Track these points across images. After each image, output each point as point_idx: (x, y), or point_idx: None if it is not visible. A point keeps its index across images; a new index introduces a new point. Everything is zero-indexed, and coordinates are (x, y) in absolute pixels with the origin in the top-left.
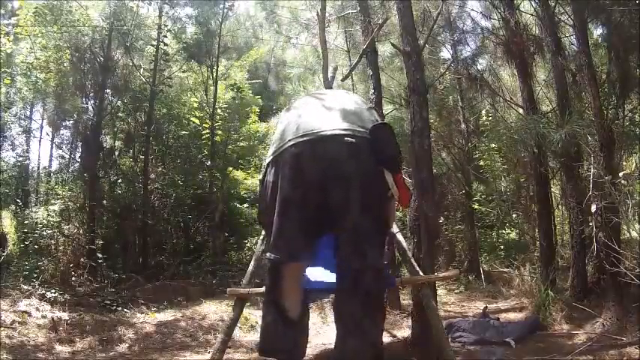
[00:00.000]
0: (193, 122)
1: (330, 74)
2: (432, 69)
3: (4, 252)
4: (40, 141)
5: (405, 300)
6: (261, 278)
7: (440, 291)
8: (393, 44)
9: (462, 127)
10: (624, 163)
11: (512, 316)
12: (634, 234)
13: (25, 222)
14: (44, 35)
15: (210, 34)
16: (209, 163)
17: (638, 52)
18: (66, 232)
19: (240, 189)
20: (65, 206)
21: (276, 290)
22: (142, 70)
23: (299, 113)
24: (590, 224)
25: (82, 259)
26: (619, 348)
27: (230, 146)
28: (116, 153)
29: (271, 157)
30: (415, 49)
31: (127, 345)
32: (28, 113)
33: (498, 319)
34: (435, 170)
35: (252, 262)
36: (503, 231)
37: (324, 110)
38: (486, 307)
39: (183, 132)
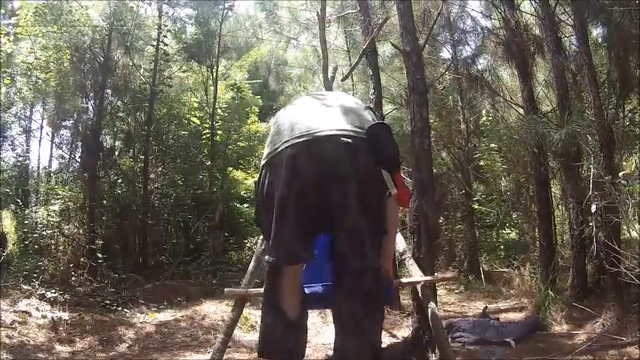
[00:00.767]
0: (193, 122)
1: (330, 74)
2: (432, 69)
3: (4, 252)
4: (40, 141)
5: (405, 300)
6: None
7: (440, 291)
8: (393, 44)
9: (462, 127)
10: (624, 163)
11: (512, 316)
12: (634, 234)
13: (25, 222)
14: (44, 35)
15: (210, 34)
16: (209, 163)
17: (638, 52)
18: (66, 232)
19: (240, 189)
20: (65, 206)
21: (275, 292)
22: (142, 70)
23: (295, 113)
24: (590, 224)
25: (82, 259)
26: (619, 348)
27: (230, 146)
28: (116, 153)
29: (267, 159)
30: (415, 49)
31: (127, 345)
32: (28, 113)
33: (498, 319)
34: (435, 170)
35: (252, 262)
36: (503, 231)
37: (320, 110)
38: (486, 307)
39: (183, 132)
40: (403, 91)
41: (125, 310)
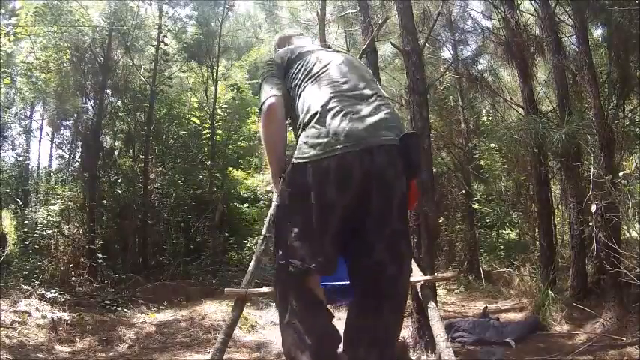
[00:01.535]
0: (193, 122)
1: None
2: (433, 69)
3: (4, 252)
4: (40, 141)
5: None
6: (261, 278)
7: (440, 291)
8: (393, 44)
9: (462, 127)
10: (624, 163)
11: (512, 316)
12: (634, 234)
13: (25, 222)
14: (44, 35)
15: (211, 34)
16: (209, 163)
17: (638, 52)
18: (66, 232)
19: (240, 189)
20: (65, 206)
21: (304, 301)
22: (142, 70)
23: (329, 98)
24: (590, 224)
25: (82, 259)
26: (619, 348)
27: (230, 146)
28: (116, 153)
29: (313, 160)
30: (415, 49)
31: (127, 345)
32: (29, 113)
33: (498, 319)
34: (435, 170)
35: (252, 262)
36: (503, 231)
37: (363, 109)
38: (486, 307)
39: (183, 132)
40: (403, 91)
41: (125, 310)
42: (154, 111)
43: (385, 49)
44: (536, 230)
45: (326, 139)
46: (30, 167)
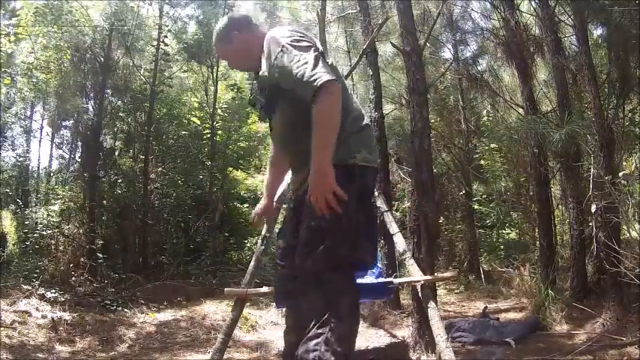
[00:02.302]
0: (193, 122)
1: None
2: (433, 69)
3: (4, 252)
4: (40, 141)
5: (405, 300)
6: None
7: (440, 291)
8: (393, 44)
9: (462, 127)
10: (624, 163)
11: (512, 316)
12: (634, 234)
13: (25, 222)
14: (45, 35)
15: (211, 34)
16: (209, 163)
17: (638, 52)
18: (66, 232)
19: (240, 189)
20: (65, 206)
21: (353, 302)
22: (142, 70)
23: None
24: (590, 224)
25: (82, 259)
26: (619, 348)
27: (230, 146)
28: (116, 153)
29: (373, 165)
30: (415, 49)
31: (127, 345)
32: (29, 113)
33: (498, 319)
34: (435, 170)
35: (252, 262)
36: (503, 231)
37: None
38: (486, 307)
39: (184, 132)
40: (403, 91)
41: (125, 310)
42: (154, 111)
43: (385, 49)
44: (536, 230)
45: (375, 152)
46: (30, 167)
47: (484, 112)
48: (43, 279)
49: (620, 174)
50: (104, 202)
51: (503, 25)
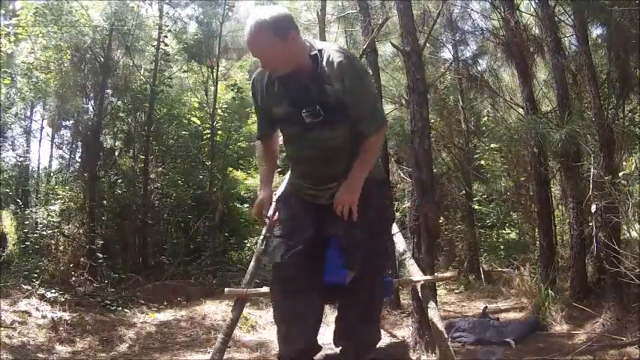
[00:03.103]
0: (193, 122)
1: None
2: (433, 69)
3: (4, 252)
4: (40, 141)
5: (405, 300)
6: (261, 278)
7: (440, 291)
8: (393, 44)
9: (462, 127)
10: (624, 163)
11: (512, 316)
12: (634, 234)
13: (25, 222)
14: (44, 35)
15: (211, 34)
16: (209, 163)
17: (638, 52)
18: (66, 232)
19: (240, 189)
20: (65, 206)
21: None
22: (142, 70)
23: None
24: (590, 224)
25: (82, 259)
26: (619, 348)
27: (230, 146)
28: (116, 153)
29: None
30: (415, 49)
31: (128, 345)
32: (29, 113)
33: (498, 319)
34: (435, 170)
35: (252, 262)
36: (503, 231)
37: None
38: (486, 307)
39: (184, 132)
40: (403, 91)
41: (125, 310)
42: (154, 111)
43: (385, 49)
44: (536, 230)
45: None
46: (30, 167)
47: (484, 112)
48: (43, 279)
49: (620, 174)
50: (104, 202)
51: (503, 25)
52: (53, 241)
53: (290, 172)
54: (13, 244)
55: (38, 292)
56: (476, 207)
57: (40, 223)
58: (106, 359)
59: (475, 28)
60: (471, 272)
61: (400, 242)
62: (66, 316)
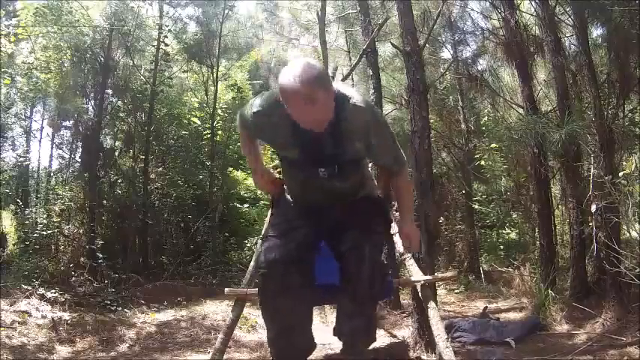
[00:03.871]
0: (194, 122)
1: (330, 74)
2: (433, 69)
3: (4, 252)
4: (40, 141)
5: (405, 300)
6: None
7: (440, 291)
8: (393, 44)
9: (462, 127)
10: (624, 163)
11: (512, 316)
12: (634, 234)
13: (25, 222)
14: (44, 35)
15: (211, 34)
16: (209, 163)
17: (638, 52)
18: (66, 232)
19: (240, 189)
20: (65, 206)
21: None
22: (142, 70)
23: None
24: (590, 224)
25: (82, 259)
26: (619, 348)
27: (230, 146)
28: (116, 153)
29: None
30: (415, 49)
31: (128, 345)
32: (29, 113)
33: (498, 319)
34: (435, 170)
35: (252, 262)
36: (503, 231)
37: None
38: (486, 307)
39: (184, 132)
40: (403, 91)
41: (125, 310)
42: (154, 111)
43: (385, 49)
44: (536, 230)
45: None
46: (30, 167)
47: (484, 112)
48: (43, 279)
49: (620, 174)
50: (104, 202)
51: (503, 25)
52: (53, 241)
53: (286, 186)
54: (13, 244)
55: (38, 292)
56: (476, 207)
57: (40, 223)
58: (106, 359)
59: (475, 28)
60: (471, 272)
61: (400, 242)
62: (66, 316)
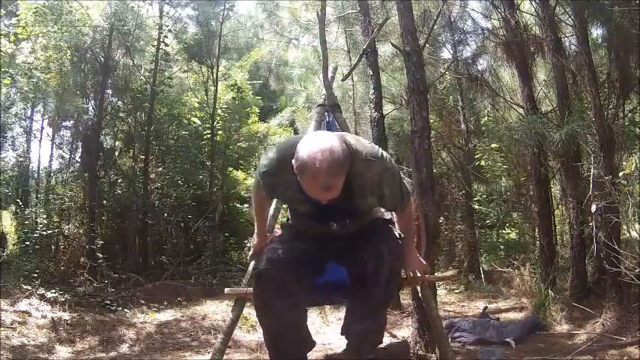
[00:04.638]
0: (194, 122)
1: (330, 74)
2: (432, 69)
3: (4, 252)
4: (40, 141)
5: (405, 300)
6: None
7: (440, 291)
8: (393, 44)
9: (462, 127)
10: (624, 163)
11: (512, 316)
12: (634, 234)
13: (25, 222)
14: (44, 35)
15: (211, 34)
16: (209, 163)
17: (638, 52)
18: (66, 232)
19: (240, 189)
20: (65, 206)
21: None
22: (142, 70)
23: None
24: (590, 224)
25: (82, 259)
26: (619, 348)
27: (230, 146)
28: (116, 153)
29: None
30: (415, 49)
31: (128, 345)
32: (29, 113)
33: (498, 319)
34: (435, 170)
35: (251, 262)
36: (503, 231)
37: None
38: (486, 307)
39: (184, 132)
40: (403, 91)
41: (125, 310)
42: (154, 111)
43: (385, 49)
44: (536, 230)
45: None
46: (30, 167)
47: (484, 112)
48: (43, 279)
49: (620, 174)
50: (104, 202)
51: (503, 25)
52: (53, 241)
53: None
54: (13, 244)
55: (38, 292)
56: (476, 207)
57: (40, 223)
58: (106, 359)
59: (475, 28)
60: (471, 272)
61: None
62: (66, 316)
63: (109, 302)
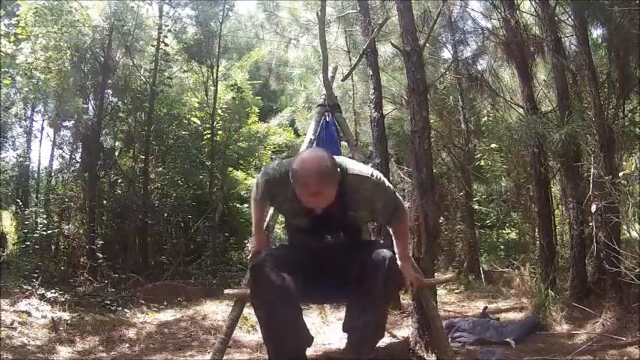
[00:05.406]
0: (194, 122)
1: (330, 74)
2: (433, 69)
3: (4, 252)
4: (40, 141)
5: (405, 300)
6: None
7: (440, 291)
8: (393, 44)
9: (462, 127)
10: (624, 163)
11: (512, 316)
12: (634, 234)
13: (25, 222)
14: (44, 35)
15: (211, 34)
16: (209, 163)
17: (638, 52)
18: (66, 232)
19: (240, 189)
20: (65, 206)
21: None
22: (142, 70)
23: None
24: (590, 224)
25: (82, 259)
26: (619, 348)
27: (230, 146)
28: (116, 153)
29: None
30: (415, 49)
31: (128, 345)
32: (29, 113)
33: (498, 319)
34: (435, 170)
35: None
36: (503, 231)
37: None
38: (486, 307)
39: (184, 132)
40: (403, 91)
41: (125, 310)
42: (154, 111)
43: (385, 49)
44: (536, 230)
45: None
46: (30, 167)
47: (484, 112)
48: (43, 279)
49: (620, 174)
50: (104, 202)
51: (504, 25)
52: (53, 241)
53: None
54: (13, 244)
55: (38, 292)
56: (476, 207)
57: (40, 223)
58: (106, 359)
59: (475, 28)
60: (471, 272)
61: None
62: (66, 316)
63: (109, 302)
